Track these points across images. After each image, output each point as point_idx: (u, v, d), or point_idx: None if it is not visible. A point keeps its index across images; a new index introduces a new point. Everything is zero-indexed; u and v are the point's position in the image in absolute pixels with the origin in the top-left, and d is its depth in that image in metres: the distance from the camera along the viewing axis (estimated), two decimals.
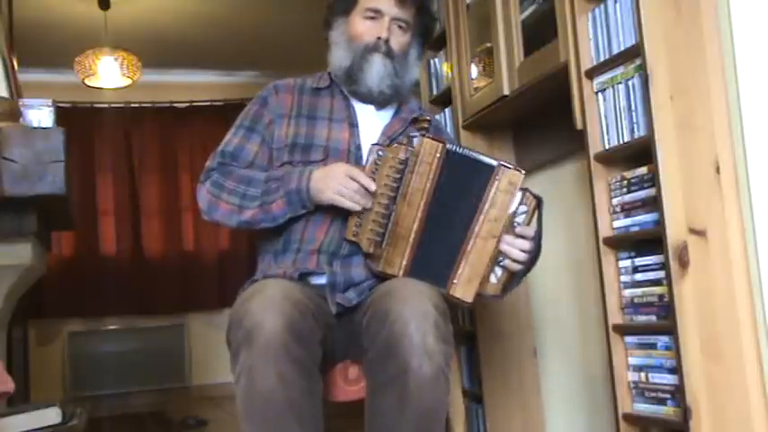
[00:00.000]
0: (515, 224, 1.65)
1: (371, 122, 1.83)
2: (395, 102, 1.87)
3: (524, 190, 1.65)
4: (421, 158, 1.64)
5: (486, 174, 1.64)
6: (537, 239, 1.66)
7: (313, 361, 1.51)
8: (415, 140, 1.66)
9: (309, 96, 1.85)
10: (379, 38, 1.78)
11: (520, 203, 1.65)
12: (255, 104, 1.87)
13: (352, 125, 1.81)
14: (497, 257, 1.65)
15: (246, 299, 1.53)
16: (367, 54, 1.79)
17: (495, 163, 1.65)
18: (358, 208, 1.64)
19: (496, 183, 1.63)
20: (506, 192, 1.63)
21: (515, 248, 1.64)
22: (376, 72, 1.78)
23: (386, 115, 1.86)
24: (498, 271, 1.67)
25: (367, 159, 1.70)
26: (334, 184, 1.63)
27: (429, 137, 1.66)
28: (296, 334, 1.46)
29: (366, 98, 1.83)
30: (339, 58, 1.83)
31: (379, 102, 1.84)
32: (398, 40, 1.80)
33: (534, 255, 1.67)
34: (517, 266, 1.65)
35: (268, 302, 1.48)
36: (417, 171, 1.64)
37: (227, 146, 1.82)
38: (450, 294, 1.65)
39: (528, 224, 1.65)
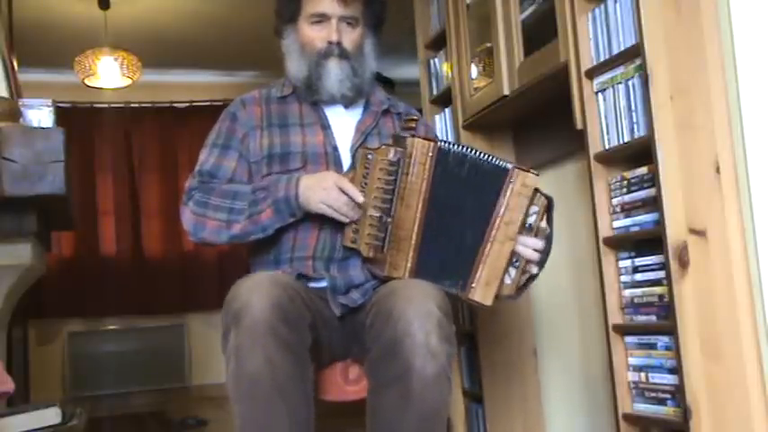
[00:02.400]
0: (528, 225, 1.64)
1: (343, 121, 1.82)
2: (360, 98, 1.85)
3: (536, 190, 1.64)
4: (414, 159, 1.62)
5: (500, 177, 1.62)
6: (549, 238, 1.67)
7: (302, 345, 1.50)
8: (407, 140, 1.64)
9: (277, 105, 1.83)
10: (330, 42, 1.76)
11: (532, 204, 1.64)
12: (225, 121, 1.83)
13: (325, 127, 1.79)
14: (512, 259, 1.65)
15: (236, 285, 1.54)
16: (322, 60, 1.76)
17: (509, 166, 1.63)
18: (346, 220, 1.64)
19: (511, 185, 1.61)
20: (521, 194, 1.62)
21: (529, 248, 1.64)
22: (334, 77, 1.76)
23: (356, 112, 1.85)
24: (512, 271, 1.66)
25: (354, 164, 1.69)
26: (324, 195, 1.62)
27: (419, 136, 1.66)
28: (283, 316, 1.46)
29: (331, 101, 1.81)
30: (295, 68, 1.81)
31: (345, 102, 1.82)
32: (350, 37, 1.78)
33: (547, 253, 1.67)
34: (533, 267, 1.66)
35: (255, 285, 1.49)
36: (412, 172, 1.63)
37: (204, 165, 1.79)
38: (469, 298, 1.65)
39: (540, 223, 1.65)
